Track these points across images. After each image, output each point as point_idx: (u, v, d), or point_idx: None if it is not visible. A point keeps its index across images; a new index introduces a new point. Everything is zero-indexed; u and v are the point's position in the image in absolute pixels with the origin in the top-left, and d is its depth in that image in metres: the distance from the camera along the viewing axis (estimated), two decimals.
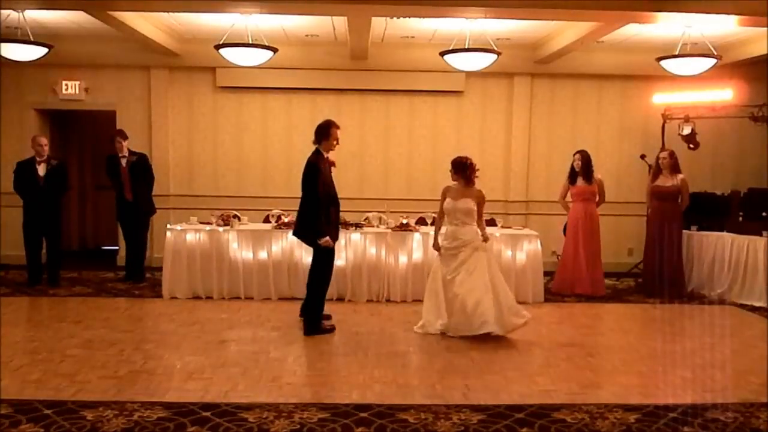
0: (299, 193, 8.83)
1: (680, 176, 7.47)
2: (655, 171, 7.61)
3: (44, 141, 7.43)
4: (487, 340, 5.51)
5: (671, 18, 6.26)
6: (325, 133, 5.58)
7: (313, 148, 5.61)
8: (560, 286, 7.53)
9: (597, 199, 7.59)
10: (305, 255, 6.93)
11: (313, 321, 5.61)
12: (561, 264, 7.69)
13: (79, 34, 8.16)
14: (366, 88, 8.92)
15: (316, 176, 5.46)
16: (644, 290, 7.58)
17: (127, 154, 7.71)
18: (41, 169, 7.33)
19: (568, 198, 7.66)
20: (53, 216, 7.40)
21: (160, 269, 7.35)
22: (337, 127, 5.64)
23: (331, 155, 5.68)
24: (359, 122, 8.84)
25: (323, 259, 5.60)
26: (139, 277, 7.81)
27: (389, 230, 6.96)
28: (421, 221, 7.61)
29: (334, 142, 5.63)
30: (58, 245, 7.52)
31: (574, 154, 7.63)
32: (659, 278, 7.35)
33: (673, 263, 7.41)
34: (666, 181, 7.49)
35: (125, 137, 7.75)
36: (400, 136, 8.89)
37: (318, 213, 5.50)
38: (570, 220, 7.62)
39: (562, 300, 7.22)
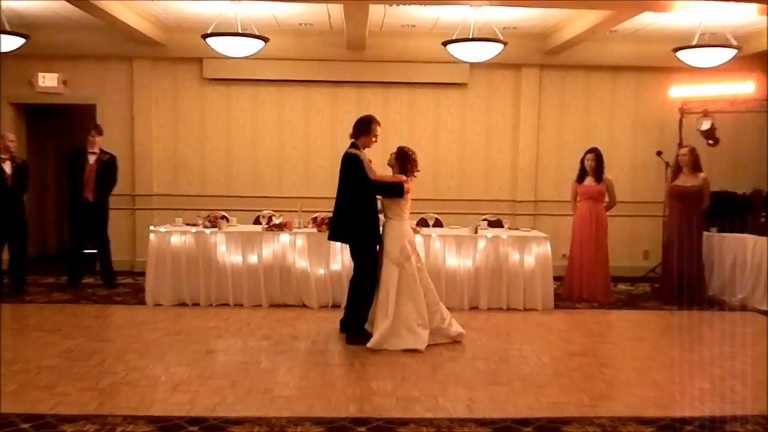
0: (291, 193, 9.05)
1: (702, 175, 7.44)
2: (675, 169, 7.60)
3: (12, 136, 7.41)
4: (492, 349, 5.54)
5: (688, 6, 6.30)
6: (365, 128, 5.68)
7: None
8: (567, 290, 7.59)
9: (606, 199, 7.62)
10: (298, 259, 6.97)
11: (358, 329, 5.62)
12: (567, 267, 7.74)
13: (57, 23, 8.18)
14: (363, 80, 8.95)
15: (361, 167, 5.52)
16: (662, 296, 7.59)
17: (98, 152, 7.71)
18: (7, 168, 7.26)
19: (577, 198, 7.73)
20: (21, 218, 7.38)
21: (142, 274, 7.36)
22: (378, 124, 5.74)
23: (368, 152, 5.75)
24: (356, 116, 8.59)
25: (366, 264, 5.61)
26: (111, 281, 7.82)
27: None
28: (423, 223, 7.64)
29: (373, 139, 5.72)
30: (25, 249, 7.51)
31: (585, 153, 7.65)
32: (678, 283, 7.36)
33: (693, 268, 7.40)
34: (686, 180, 7.47)
35: (101, 133, 7.77)
36: (400, 132, 8.91)
37: (366, 212, 5.57)
38: (575, 220, 7.66)
39: (573, 306, 7.25)
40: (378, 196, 5.71)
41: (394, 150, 5.81)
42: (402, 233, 5.61)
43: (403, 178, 5.63)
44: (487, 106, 9.13)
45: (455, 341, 5.64)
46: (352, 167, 5.59)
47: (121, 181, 8.67)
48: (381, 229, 5.71)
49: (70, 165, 7.77)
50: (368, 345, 5.41)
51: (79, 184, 7.64)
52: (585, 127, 9.17)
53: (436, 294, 5.74)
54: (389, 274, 5.52)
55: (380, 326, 5.46)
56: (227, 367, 4.96)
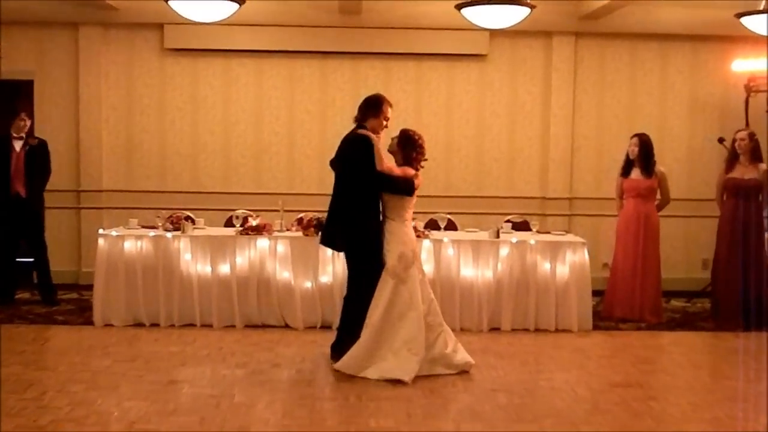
0: (271, 188, 9.07)
1: (762, 166, 7.48)
2: (730, 158, 7.62)
3: None
4: (516, 379, 5.56)
5: None
6: (374, 108, 5.71)
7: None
8: (608, 307, 7.63)
9: (658, 197, 7.66)
10: (280, 269, 6.99)
11: None
12: (610, 279, 7.77)
13: None
14: (359, 50, 8.97)
15: (372, 153, 5.53)
16: (715, 314, 7.61)
17: (24, 137, 7.75)
18: None
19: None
20: None
21: (89, 288, 7.39)
22: (390, 105, 5.77)
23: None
24: (351, 94, 8.88)
25: (367, 278, 5.62)
26: (51, 296, 7.84)
27: None
28: (433, 225, 7.67)
29: (384, 122, 5.74)
30: None
31: (630, 138, 7.70)
32: (740, 299, 7.36)
33: (759, 279, 7.41)
34: (745, 171, 7.50)
35: (30, 116, 7.85)
36: (405, 114, 8.91)
37: (369, 212, 5.62)
38: (620, 222, 7.69)
39: (616, 327, 7.28)
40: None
41: (396, 134, 5.82)
42: (401, 238, 5.64)
43: (412, 172, 5.66)
44: (511, 82, 9.15)
45: (462, 372, 5.62)
46: (362, 151, 5.57)
47: (64, 174, 8.73)
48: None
49: None
50: (336, 366, 5.48)
51: (5, 177, 7.67)
52: (630, 108, 9.19)
53: (439, 314, 5.75)
54: (382, 286, 5.56)
55: (355, 345, 5.50)
56: (194, 402, 4.97)
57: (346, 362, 5.52)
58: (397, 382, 5.32)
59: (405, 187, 5.63)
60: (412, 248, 5.69)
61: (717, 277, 7.72)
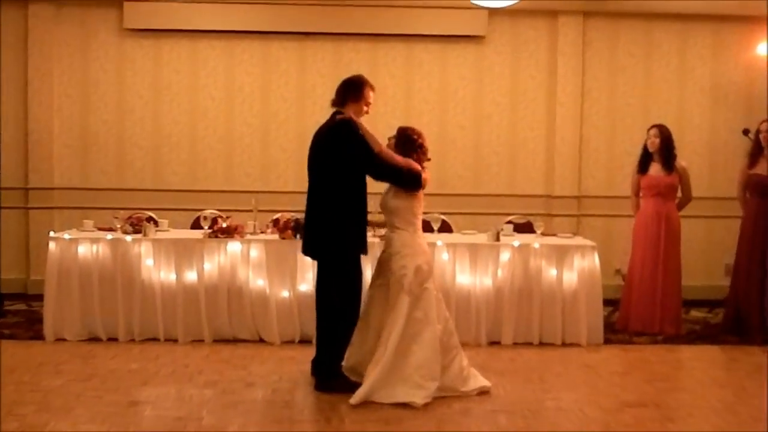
0: (243, 185, 9.06)
1: None
2: (754, 152, 7.66)
3: None
4: (519, 399, 5.60)
5: None
6: (354, 91, 5.67)
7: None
8: (623, 320, 7.67)
9: (678, 195, 7.71)
10: (253, 276, 6.99)
11: (330, 370, 5.62)
12: (625, 287, 7.82)
13: None
14: (342, 31, 8.99)
15: (363, 138, 5.47)
16: (727, 325, 7.66)
17: None
18: None
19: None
20: None
21: (39, 298, 7.37)
22: (372, 88, 5.74)
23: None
24: (333, 80, 8.68)
25: (344, 281, 5.62)
26: None
27: (377, 239, 7.02)
28: (425, 226, 7.64)
29: (365, 108, 5.72)
30: None
31: (648, 130, 7.73)
32: (762, 309, 7.40)
33: None
34: None
35: None
36: (393, 101, 8.96)
37: (351, 212, 5.59)
38: (637, 223, 7.73)
39: (630, 341, 7.32)
40: (380, 202, 5.75)
41: (393, 134, 5.79)
42: (415, 250, 5.60)
43: (418, 166, 5.61)
44: (512, 67, 9.19)
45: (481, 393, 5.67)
46: (347, 138, 5.50)
47: (11, 170, 8.72)
48: (387, 242, 5.75)
49: None
50: (351, 401, 5.35)
51: None
52: (645, 96, 9.24)
53: (455, 333, 5.75)
54: (399, 307, 5.49)
55: (369, 376, 5.43)
56: (157, 425, 4.96)
57: (364, 394, 5.37)
58: (396, 405, 5.30)
59: (411, 178, 5.53)
60: (427, 260, 5.67)
61: (737, 284, 7.74)
